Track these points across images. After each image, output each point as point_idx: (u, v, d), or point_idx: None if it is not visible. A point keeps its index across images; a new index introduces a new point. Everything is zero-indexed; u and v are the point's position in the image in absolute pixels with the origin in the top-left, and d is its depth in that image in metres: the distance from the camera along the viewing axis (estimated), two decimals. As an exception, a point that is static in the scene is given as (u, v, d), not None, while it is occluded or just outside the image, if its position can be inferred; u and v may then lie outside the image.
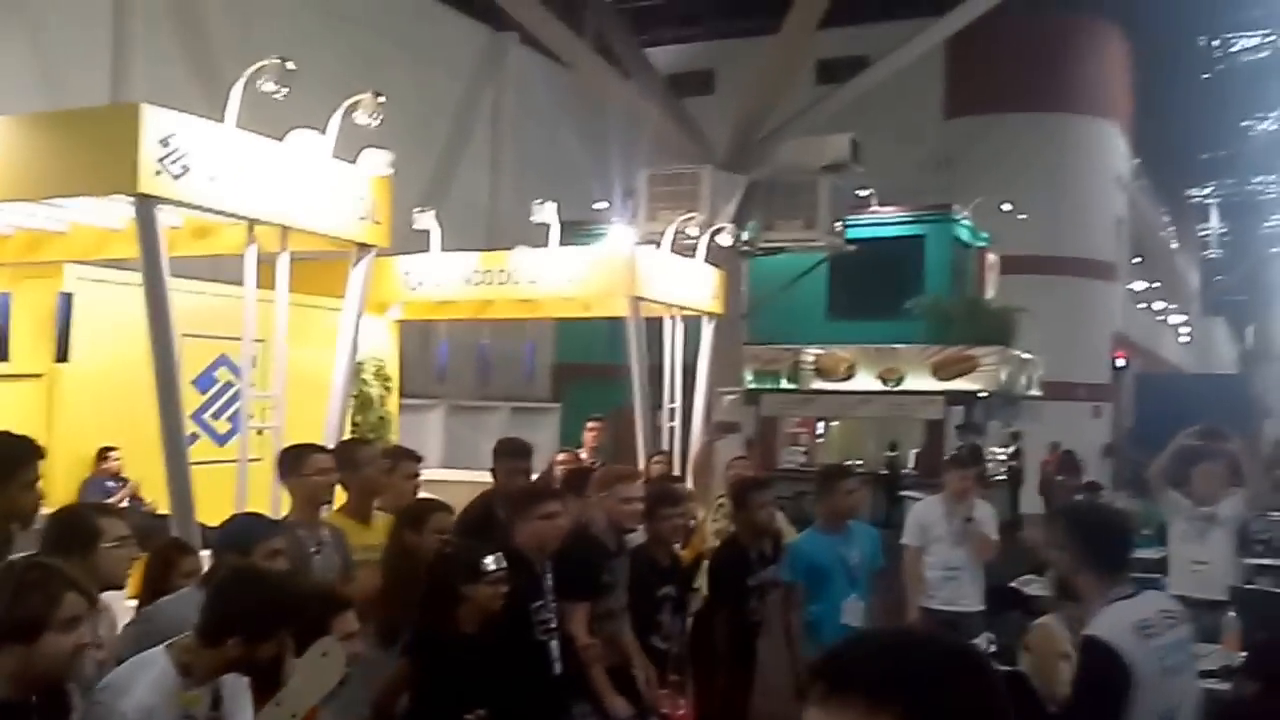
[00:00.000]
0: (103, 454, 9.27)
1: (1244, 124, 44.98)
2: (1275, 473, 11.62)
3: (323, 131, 7.52)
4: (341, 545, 5.48)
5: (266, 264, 7.20)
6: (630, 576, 5.83)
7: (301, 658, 3.58)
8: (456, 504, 5.93)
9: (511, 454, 7.01)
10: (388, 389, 11.87)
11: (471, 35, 25.66)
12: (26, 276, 8.86)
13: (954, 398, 23.88)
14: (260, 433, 7.34)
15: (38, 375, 8.88)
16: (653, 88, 20.58)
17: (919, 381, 23.58)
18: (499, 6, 19.76)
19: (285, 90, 7.14)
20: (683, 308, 12.08)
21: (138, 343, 6.74)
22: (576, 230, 16.82)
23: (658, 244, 12.54)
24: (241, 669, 3.54)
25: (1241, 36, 38.88)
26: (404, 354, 12.55)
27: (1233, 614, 6.67)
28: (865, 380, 24.07)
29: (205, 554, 5.00)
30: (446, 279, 11.42)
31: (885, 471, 23.60)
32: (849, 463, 20.73)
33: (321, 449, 5.86)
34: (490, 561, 4.69)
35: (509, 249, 11.82)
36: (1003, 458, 25.21)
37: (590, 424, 10.67)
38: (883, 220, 25.15)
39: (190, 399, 8.09)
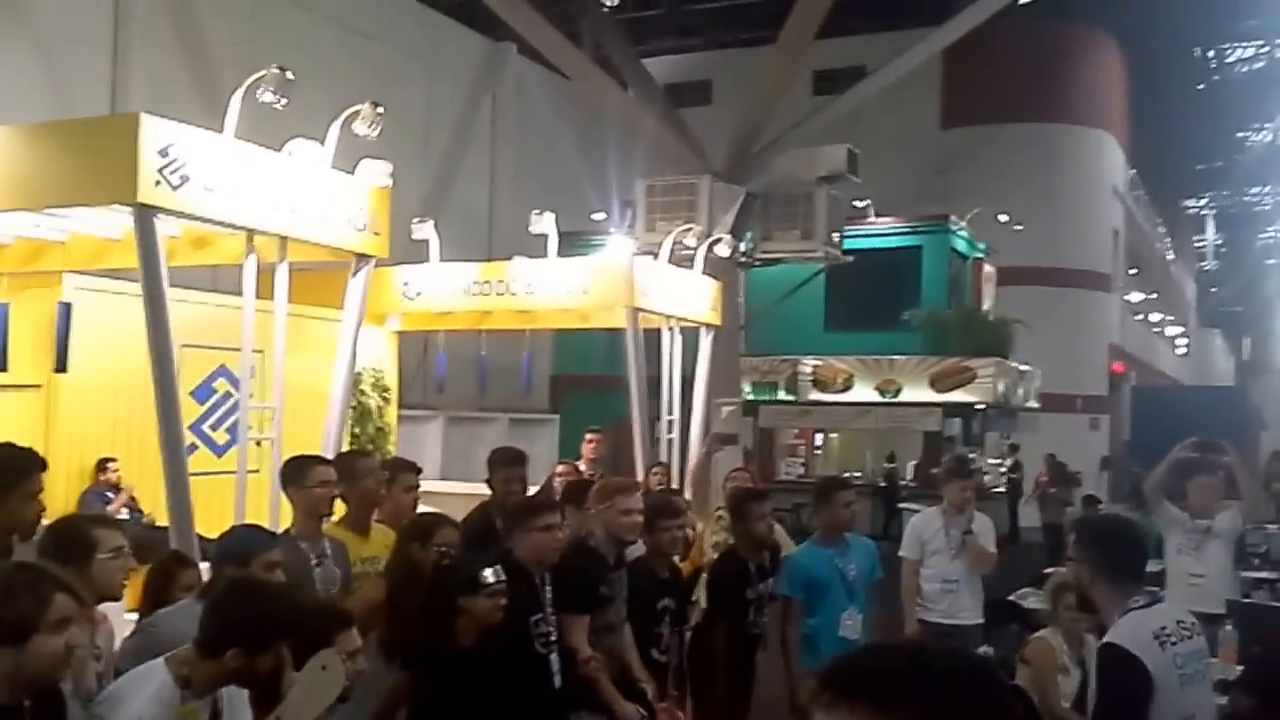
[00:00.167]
0: (102, 465, 9.24)
1: (1239, 135, 45.08)
2: (1275, 486, 11.60)
3: (322, 142, 7.54)
4: (342, 557, 5.48)
5: (265, 274, 7.21)
6: (629, 589, 5.82)
7: (301, 671, 3.57)
8: (455, 516, 5.92)
9: (506, 463, 7.01)
10: (386, 400, 11.87)
11: (470, 46, 25.68)
12: (26, 286, 8.85)
13: (952, 409, 23.90)
14: (259, 444, 7.34)
15: (37, 386, 8.86)
16: (651, 98, 20.63)
17: (917, 393, 23.61)
18: (498, 17, 19.82)
19: (284, 100, 7.16)
20: (681, 319, 12.09)
21: (137, 353, 6.74)
22: (575, 241, 16.86)
23: (656, 255, 12.55)
24: (241, 681, 3.53)
25: (1237, 47, 38.97)
26: (402, 365, 12.55)
27: (1230, 628, 6.66)
28: (863, 392, 24.10)
29: (204, 566, 5.00)
30: (445, 290, 11.43)
31: (883, 483, 23.61)
32: (847, 475, 20.89)
33: (323, 460, 5.86)
34: (489, 574, 4.68)
35: (507, 259, 11.84)
36: (1002, 470, 25.19)
37: (589, 435, 10.66)
38: (880, 231, 25.22)
39: (189, 410, 8.08)
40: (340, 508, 5.84)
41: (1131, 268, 38.62)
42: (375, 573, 5.55)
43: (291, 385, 7.50)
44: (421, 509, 6.19)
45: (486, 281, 11.31)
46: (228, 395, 9.45)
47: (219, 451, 9.43)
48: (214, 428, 9.60)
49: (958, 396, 23.39)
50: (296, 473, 5.53)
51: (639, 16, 28.62)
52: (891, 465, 24.26)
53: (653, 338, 11.77)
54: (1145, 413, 29.96)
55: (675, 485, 10.30)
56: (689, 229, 13.99)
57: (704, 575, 7.13)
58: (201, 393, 9.51)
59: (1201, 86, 40.12)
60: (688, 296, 12.21)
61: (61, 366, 8.45)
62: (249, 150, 6.92)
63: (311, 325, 9.09)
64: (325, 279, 8.57)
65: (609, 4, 20.42)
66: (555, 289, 11.20)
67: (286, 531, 5.47)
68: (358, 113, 7.83)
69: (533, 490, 7.37)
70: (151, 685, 3.42)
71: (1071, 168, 30.69)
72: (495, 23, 22.40)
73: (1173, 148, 41.29)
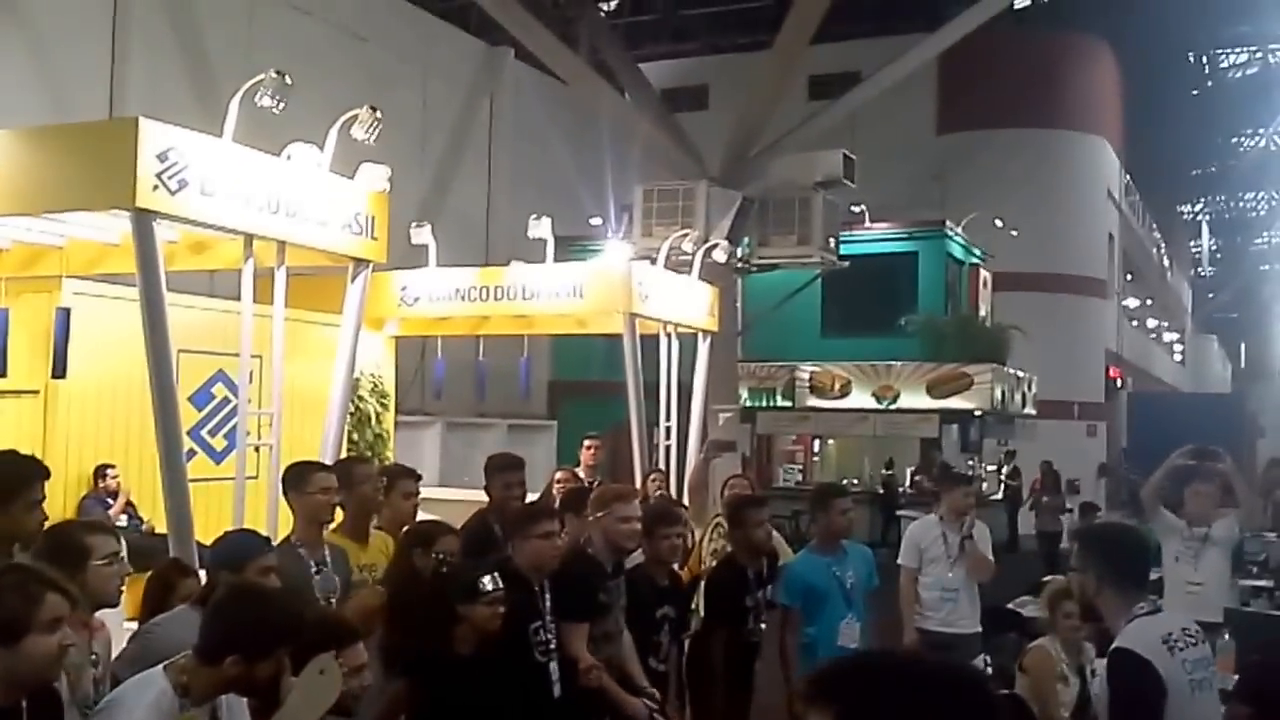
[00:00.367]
0: (101, 471, 9.20)
1: (1234, 140, 45.19)
2: (1276, 493, 11.57)
3: (320, 146, 7.53)
4: (343, 565, 5.46)
5: (263, 279, 7.19)
6: (628, 597, 5.80)
7: (299, 676, 3.56)
8: (454, 523, 5.90)
9: (503, 468, 6.98)
10: (384, 405, 11.84)
11: (467, 50, 25.68)
12: (24, 291, 8.83)
13: (949, 416, 23.90)
14: (257, 450, 7.32)
15: (35, 391, 8.83)
16: (647, 103, 20.67)
17: (914, 399, 23.61)
18: (495, 21, 19.83)
19: (282, 104, 7.15)
20: (679, 324, 12.08)
21: (135, 358, 6.72)
22: (571, 246, 16.85)
23: (653, 260, 12.54)
24: (240, 688, 3.52)
25: (1230, 53, 39.09)
26: (400, 371, 12.53)
27: (1228, 637, 6.64)
28: (861, 398, 24.09)
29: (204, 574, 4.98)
30: (443, 295, 11.41)
31: (881, 490, 23.60)
32: (845, 481, 20.88)
33: (325, 467, 5.85)
34: (487, 581, 4.67)
35: (505, 264, 11.83)
36: (1000, 478, 25.19)
37: (587, 442, 10.63)
38: (876, 236, 25.23)
39: (187, 415, 8.04)
40: (338, 515, 5.82)
41: (1127, 273, 38.66)
42: (373, 579, 5.53)
43: (290, 391, 7.48)
44: (420, 516, 6.17)
45: (484, 287, 11.30)
46: (226, 401, 9.43)
47: (217, 458, 9.40)
48: (212, 433, 9.56)
49: (955, 403, 23.40)
50: (297, 479, 5.50)
51: (635, 21, 28.66)
52: (889, 472, 24.24)
53: (650, 343, 11.76)
54: (1143, 420, 29.95)
55: (673, 492, 10.27)
56: (686, 234, 14.00)
57: (702, 583, 7.11)
58: (200, 398, 9.47)
59: (1195, 92, 40.24)
60: (685, 302, 12.21)
61: (60, 372, 8.42)
62: (247, 154, 6.91)
63: (310, 330, 9.07)
64: (323, 284, 8.57)
65: (605, 8, 20.42)
66: (553, 294, 11.19)
67: (287, 538, 5.45)
68: (355, 117, 7.83)
69: (532, 497, 7.34)
70: (150, 693, 3.41)
71: (1067, 173, 30.72)
72: (492, 27, 22.43)
73: (1167, 153, 41.40)
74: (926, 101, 30.11)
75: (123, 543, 4.07)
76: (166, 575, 4.87)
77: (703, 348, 12.68)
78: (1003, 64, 28.85)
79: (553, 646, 5.21)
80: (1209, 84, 40.43)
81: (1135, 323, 41.05)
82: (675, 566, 6.54)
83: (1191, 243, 59.93)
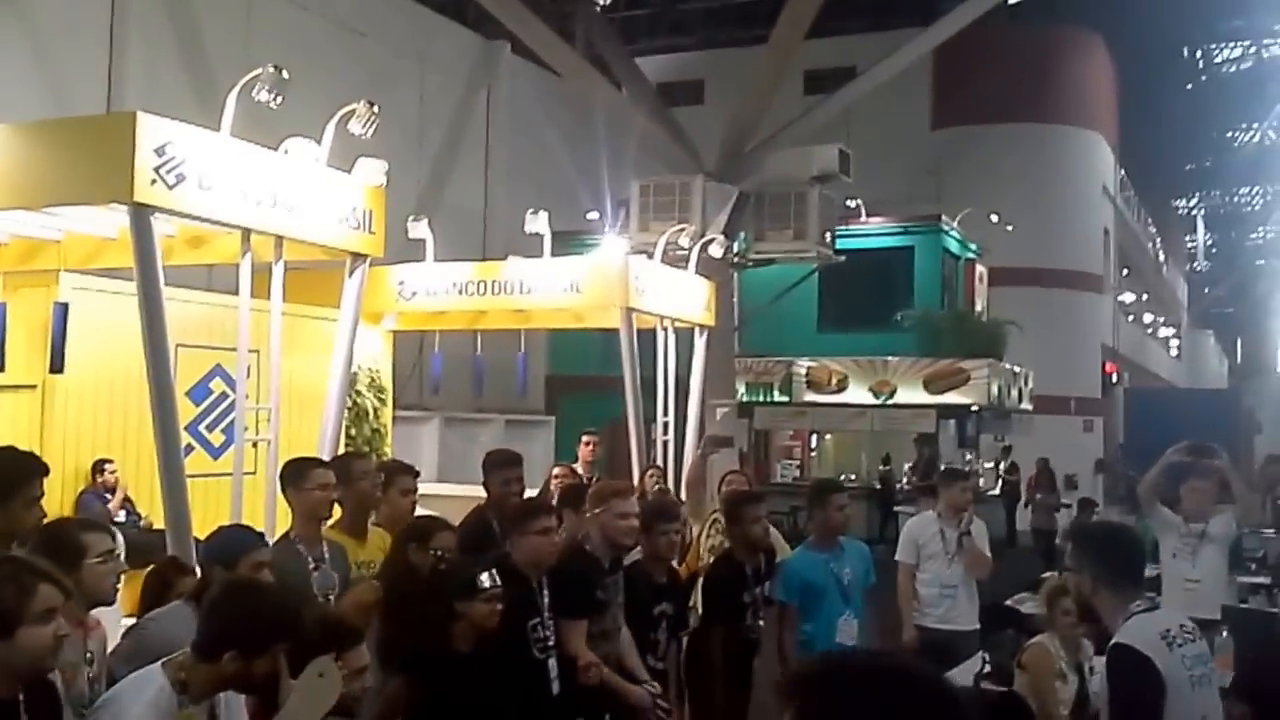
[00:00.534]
0: (99, 466, 9.16)
1: (1228, 134, 45.22)
2: (1277, 490, 11.59)
3: (317, 140, 7.51)
4: (341, 561, 5.44)
5: (261, 273, 7.18)
6: (626, 594, 5.79)
7: (299, 678, 3.55)
8: (452, 519, 5.89)
9: (501, 465, 6.96)
10: (382, 400, 11.83)
11: (464, 44, 25.62)
12: (21, 286, 8.81)
13: (946, 412, 23.90)
14: (255, 445, 7.30)
15: (32, 386, 8.81)
16: (643, 97, 20.63)
17: (911, 394, 23.60)
18: (491, 15, 19.79)
19: (280, 99, 7.14)
20: (675, 319, 12.07)
21: (132, 353, 6.70)
22: (568, 240, 16.83)
23: (650, 254, 12.52)
24: (238, 685, 3.50)
25: (1224, 47, 39.11)
26: (397, 365, 12.52)
27: (1225, 634, 6.64)
28: (858, 393, 24.08)
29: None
30: (440, 289, 11.40)
31: (879, 486, 23.60)
32: (842, 477, 20.89)
33: (323, 463, 5.83)
34: (485, 578, 4.65)
35: (502, 259, 11.81)
36: (997, 473, 25.19)
37: (585, 438, 10.61)
38: (872, 231, 25.23)
39: (184, 410, 8.04)
40: (336, 511, 5.80)
41: (1123, 268, 38.68)
42: (370, 576, 5.51)
43: (287, 386, 7.48)
44: (418, 512, 6.15)
45: (481, 281, 11.29)
46: (224, 396, 9.42)
47: (215, 453, 9.39)
48: (210, 429, 9.54)
49: (952, 398, 23.39)
50: (296, 475, 5.48)
51: (631, 15, 28.63)
52: (886, 468, 24.25)
53: (647, 338, 11.74)
54: (1140, 415, 30.04)
55: (671, 488, 10.26)
56: (682, 229, 13.97)
57: (700, 579, 7.10)
58: (197, 393, 9.45)
59: (1190, 86, 40.26)
60: (682, 297, 12.20)
61: (58, 366, 8.40)
62: (245, 149, 6.90)
63: (307, 325, 9.06)
64: (321, 278, 8.55)
65: (602, 2, 20.38)
66: (550, 288, 11.18)
67: (285, 534, 5.44)
68: (353, 112, 7.81)
69: (531, 493, 7.33)
70: (149, 691, 3.39)
71: (1062, 168, 30.76)
72: (489, 21, 22.39)
73: (1162, 148, 41.45)
74: (922, 96, 30.14)
75: (118, 540, 4.05)
76: (165, 573, 4.86)
77: (699, 343, 12.68)
78: (997, 59, 28.88)
79: (551, 643, 5.21)
80: (1203, 78, 40.46)
81: (1131, 318, 41.08)
82: (673, 563, 6.52)
83: (1187, 237, 59.97)
